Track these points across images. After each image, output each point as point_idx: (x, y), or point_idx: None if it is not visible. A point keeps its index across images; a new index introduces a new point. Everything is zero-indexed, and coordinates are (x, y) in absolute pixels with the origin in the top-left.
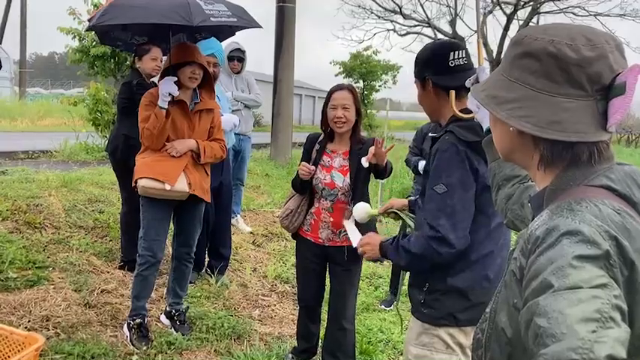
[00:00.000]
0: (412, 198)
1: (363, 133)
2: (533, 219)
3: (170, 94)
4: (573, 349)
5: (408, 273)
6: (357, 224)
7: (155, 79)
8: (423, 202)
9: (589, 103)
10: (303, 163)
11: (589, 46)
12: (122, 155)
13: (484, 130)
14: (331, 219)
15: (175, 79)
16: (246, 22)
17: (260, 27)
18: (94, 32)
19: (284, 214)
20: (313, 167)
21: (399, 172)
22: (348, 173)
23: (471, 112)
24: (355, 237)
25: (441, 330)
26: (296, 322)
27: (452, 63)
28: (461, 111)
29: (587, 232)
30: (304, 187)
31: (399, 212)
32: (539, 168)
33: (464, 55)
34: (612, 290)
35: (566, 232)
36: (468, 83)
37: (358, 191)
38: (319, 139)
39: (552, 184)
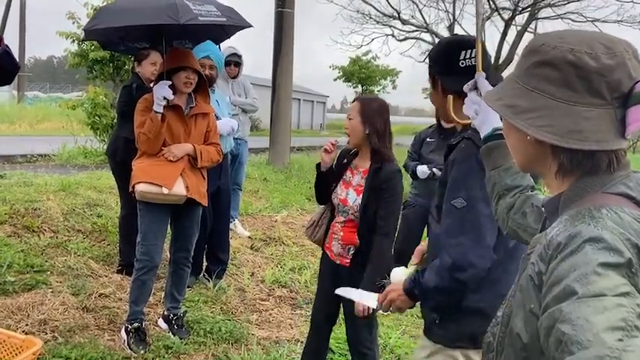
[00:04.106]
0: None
1: None
2: (544, 224)
3: (165, 98)
4: (601, 357)
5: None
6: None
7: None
8: (440, 215)
9: (608, 111)
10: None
11: (608, 54)
12: (122, 158)
13: (482, 137)
14: (341, 233)
15: (169, 83)
16: (236, 21)
17: (251, 26)
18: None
19: (308, 225)
20: (336, 140)
21: None
22: (362, 194)
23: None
24: (368, 299)
25: (457, 351)
26: (293, 326)
27: (462, 63)
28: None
29: (610, 240)
30: (322, 186)
31: None
32: (556, 177)
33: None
34: (635, 299)
35: (589, 238)
36: (465, 88)
37: (368, 215)
38: (351, 152)
39: (569, 191)
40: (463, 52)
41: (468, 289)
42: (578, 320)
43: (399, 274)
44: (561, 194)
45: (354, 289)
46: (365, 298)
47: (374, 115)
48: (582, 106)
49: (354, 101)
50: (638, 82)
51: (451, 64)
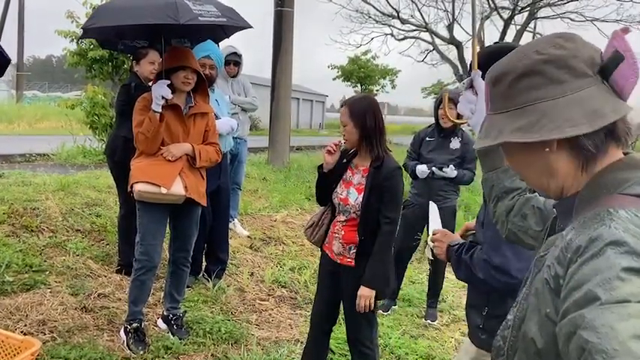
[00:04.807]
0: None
1: None
2: (553, 225)
3: (163, 97)
4: None
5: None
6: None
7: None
8: (483, 222)
9: (600, 86)
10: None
11: (566, 40)
12: (120, 157)
13: (478, 137)
14: (342, 232)
15: (168, 82)
16: (236, 21)
17: (250, 27)
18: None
19: (307, 226)
20: (339, 142)
21: None
22: (363, 192)
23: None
24: (434, 224)
25: None
26: (293, 326)
27: None
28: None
29: (633, 243)
30: (323, 187)
31: None
32: (582, 172)
33: None
34: None
35: (611, 242)
36: (461, 86)
37: (370, 213)
38: (350, 151)
39: (584, 191)
40: None
41: (504, 293)
42: (603, 328)
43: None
44: (575, 194)
45: (437, 213)
46: (434, 219)
47: (364, 114)
48: (578, 90)
49: (341, 107)
50: (601, 51)
51: None
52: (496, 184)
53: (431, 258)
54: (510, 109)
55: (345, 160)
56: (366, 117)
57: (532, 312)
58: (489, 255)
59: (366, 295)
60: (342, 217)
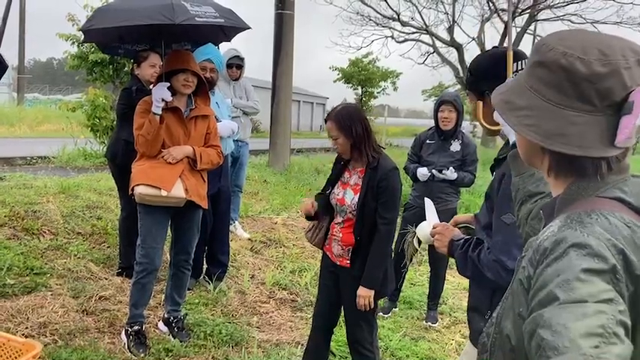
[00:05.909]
0: (478, 212)
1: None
2: (544, 227)
3: (163, 100)
4: None
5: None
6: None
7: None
8: (485, 226)
9: (598, 119)
10: (305, 201)
11: (602, 61)
12: (122, 161)
13: (510, 144)
14: (341, 234)
15: (167, 84)
16: (234, 22)
17: (249, 28)
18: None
19: (308, 228)
20: (313, 203)
21: None
22: (359, 193)
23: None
24: (432, 218)
25: None
26: (294, 328)
27: (516, 75)
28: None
29: (595, 246)
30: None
31: (469, 226)
32: (549, 175)
33: None
34: (618, 305)
35: (574, 244)
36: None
37: (366, 213)
38: None
39: (564, 193)
40: (515, 65)
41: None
42: (557, 326)
43: (427, 229)
44: (557, 197)
45: (434, 209)
46: (431, 214)
47: (351, 123)
48: (571, 110)
49: (326, 121)
50: (631, 91)
51: (504, 78)
52: (521, 188)
53: (416, 246)
54: (523, 81)
55: (342, 162)
56: (353, 125)
57: (508, 310)
58: (500, 258)
59: (363, 295)
60: (339, 219)
